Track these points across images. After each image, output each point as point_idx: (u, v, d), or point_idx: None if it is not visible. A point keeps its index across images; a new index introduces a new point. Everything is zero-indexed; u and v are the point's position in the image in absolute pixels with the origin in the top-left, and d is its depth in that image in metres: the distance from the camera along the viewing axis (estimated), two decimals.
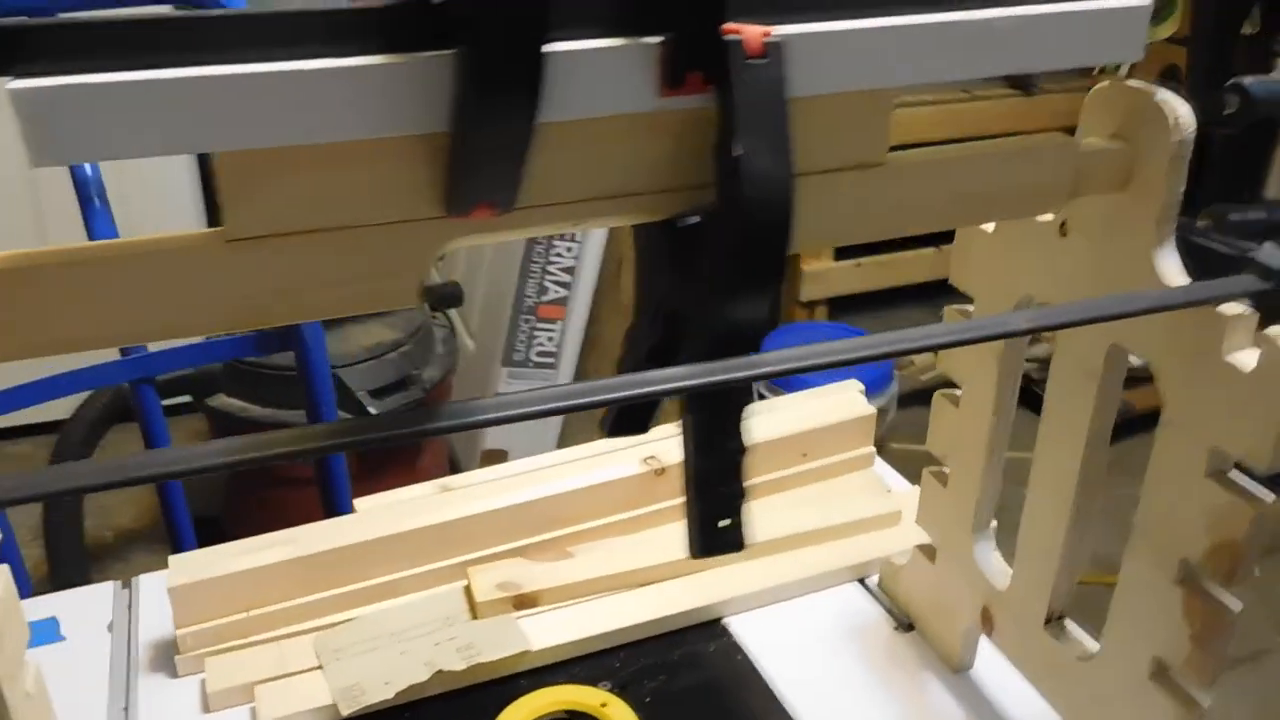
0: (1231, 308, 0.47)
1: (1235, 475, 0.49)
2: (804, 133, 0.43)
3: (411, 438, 0.37)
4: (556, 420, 2.00)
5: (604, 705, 0.70)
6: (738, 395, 0.44)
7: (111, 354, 1.02)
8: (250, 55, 0.33)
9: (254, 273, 0.38)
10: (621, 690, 0.71)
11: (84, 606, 0.79)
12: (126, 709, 0.70)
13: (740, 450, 0.45)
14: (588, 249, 1.90)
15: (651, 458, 0.83)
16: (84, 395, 1.67)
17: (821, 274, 2.41)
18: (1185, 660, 0.52)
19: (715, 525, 0.46)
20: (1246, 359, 0.47)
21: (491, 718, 0.69)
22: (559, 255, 1.90)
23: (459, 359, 1.99)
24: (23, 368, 0.95)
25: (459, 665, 0.70)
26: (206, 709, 0.70)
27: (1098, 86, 0.52)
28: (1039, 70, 0.46)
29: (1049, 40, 0.45)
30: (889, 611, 0.78)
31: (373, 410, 1.72)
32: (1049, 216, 0.56)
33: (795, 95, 0.41)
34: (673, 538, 0.81)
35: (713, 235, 0.41)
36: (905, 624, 0.77)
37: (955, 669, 0.72)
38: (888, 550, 0.80)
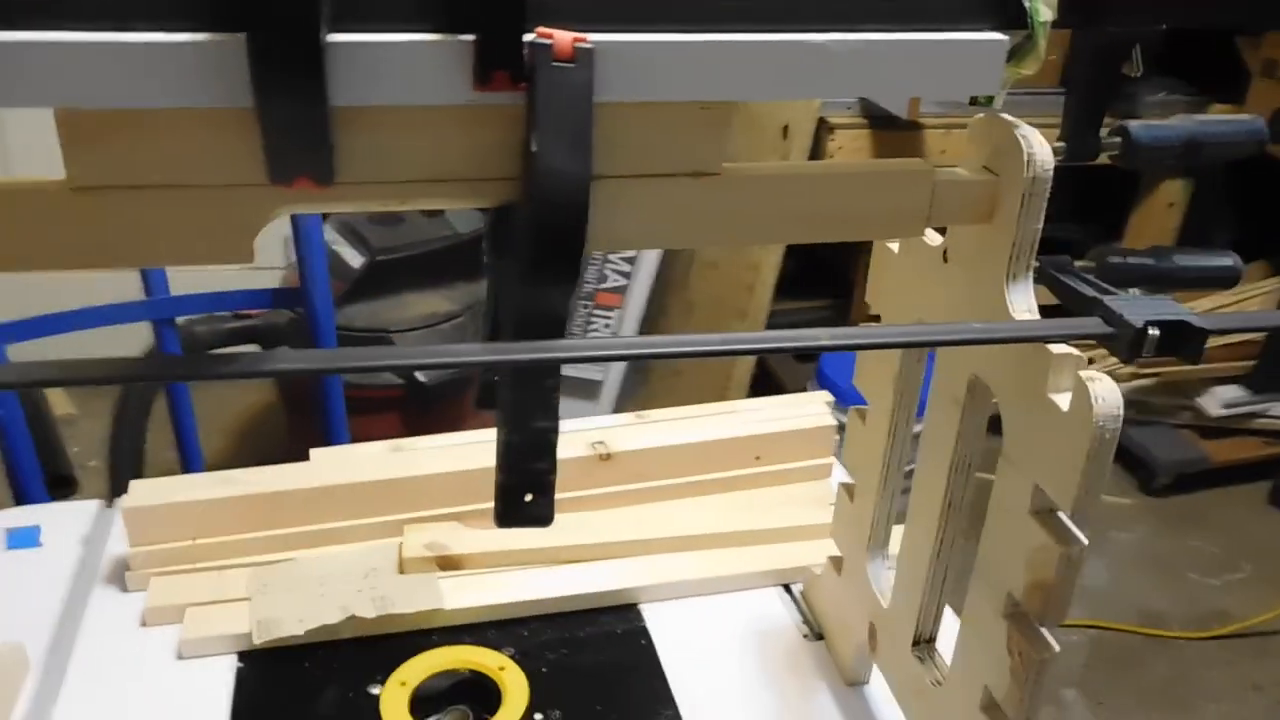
0: (1059, 347, 0.47)
1: (1060, 515, 0.49)
2: (624, 136, 0.45)
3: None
4: (610, 389, 2.04)
5: (501, 669, 0.73)
6: (547, 376, 0.46)
7: (138, 295, 1.10)
8: (69, 23, 0.37)
9: (96, 220, 0.43)
10: (522, 658, 0.74)
11: (68, 520, 0.86)
12: (71, 617, 0.76)
13: (550, 430, 0.47)
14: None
15: (600, 443, 0.86)
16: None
17: None
18: (1005, 694, 0.52)
19: (520, 498, 0.48)
20: (1065, 400, 0.47)
21: (394, 667, 0.73)
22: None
23: None
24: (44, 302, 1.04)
25: (370, 613, 0.74)
26: (143, 623, 0.76)
27: (977, 116, 0.52)
28: (885, 97, 0.47)
29: (894, 68, 0.46)
30: (804, 620, 0.79)
31: (421, 378, 1.79)
32: (936, 241, 0.57)
33: (606, 100, 0.43)
34: (609, 522, 0.84)
35: (516, 225, 0.43)
36: (816, 633, 0.77)
37: (849, 682, 0.73)
38: (811, 560, 0.80)
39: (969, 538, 0.57)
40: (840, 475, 0.94)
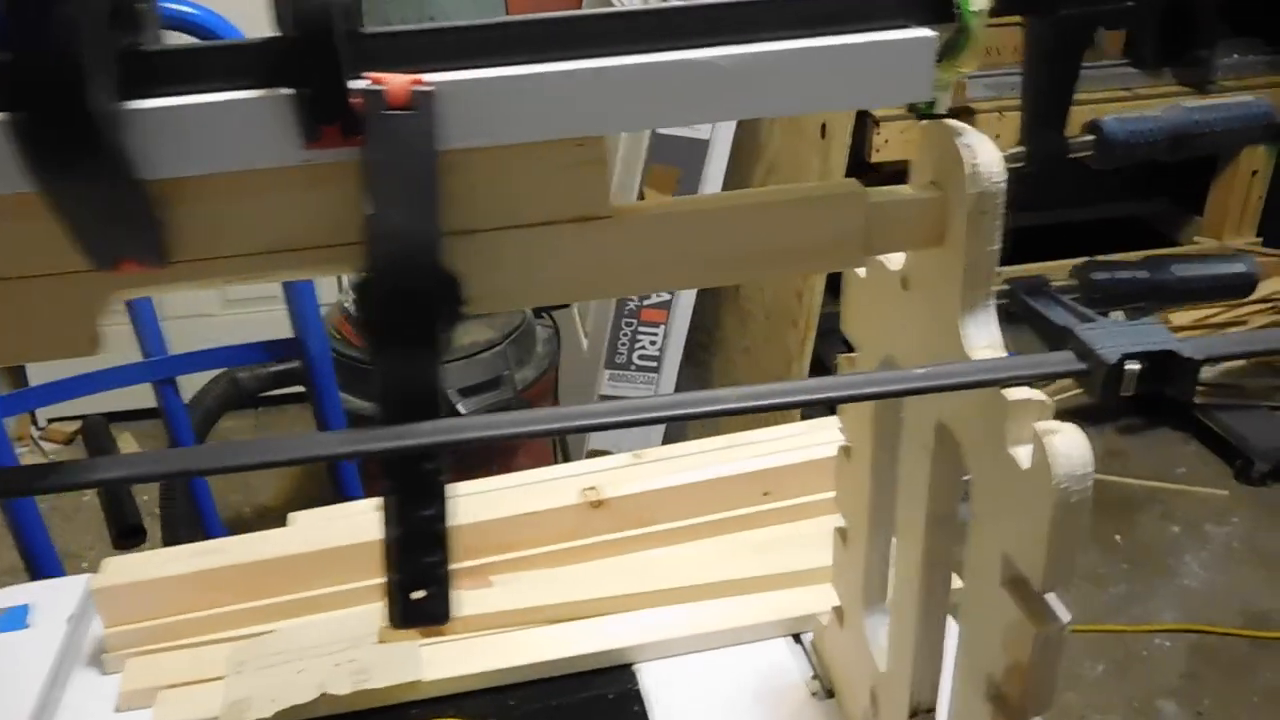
0: (1017, 392, 0.40)
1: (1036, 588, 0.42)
2: (489, 185, 0.40)
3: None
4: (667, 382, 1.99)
5: None
6: (424, 461, 0.41)
7: (137, 356, 1.08)
8: None
9: None
10: None
11: (58, 597, 0.84)
12: (50, 702, 0.74)
13: (436, 520, 0.42)
14: None
15: (591, 489, 0.80)
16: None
17: None
18: None
19: (409, 596, 0.43)
20: (1025, 454, 0.40)
21: None
22: None
23: (565, 358, 2.01)
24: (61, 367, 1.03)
25: (346, 689, 0.70)
26: (117, 709, 0.73)
27: (924, 123, 0.46)
28: (798, 114, 0.41)
29: (802, 80, 0.39)
30: (815, 675, 0.72)
31: (461, 409, 1.76)
32: (896, 266, 0.50)
33: (457, 146, 0.38)
34: (603, 575, 0.79)
35: (367, 296, 0.38)
36: (827, 690, 0.71)
37: None
38: (821, 607, 0.74)
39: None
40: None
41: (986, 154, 0.41)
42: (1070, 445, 0.37)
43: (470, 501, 0.80)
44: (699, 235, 0.43)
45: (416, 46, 0.37)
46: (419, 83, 0.37)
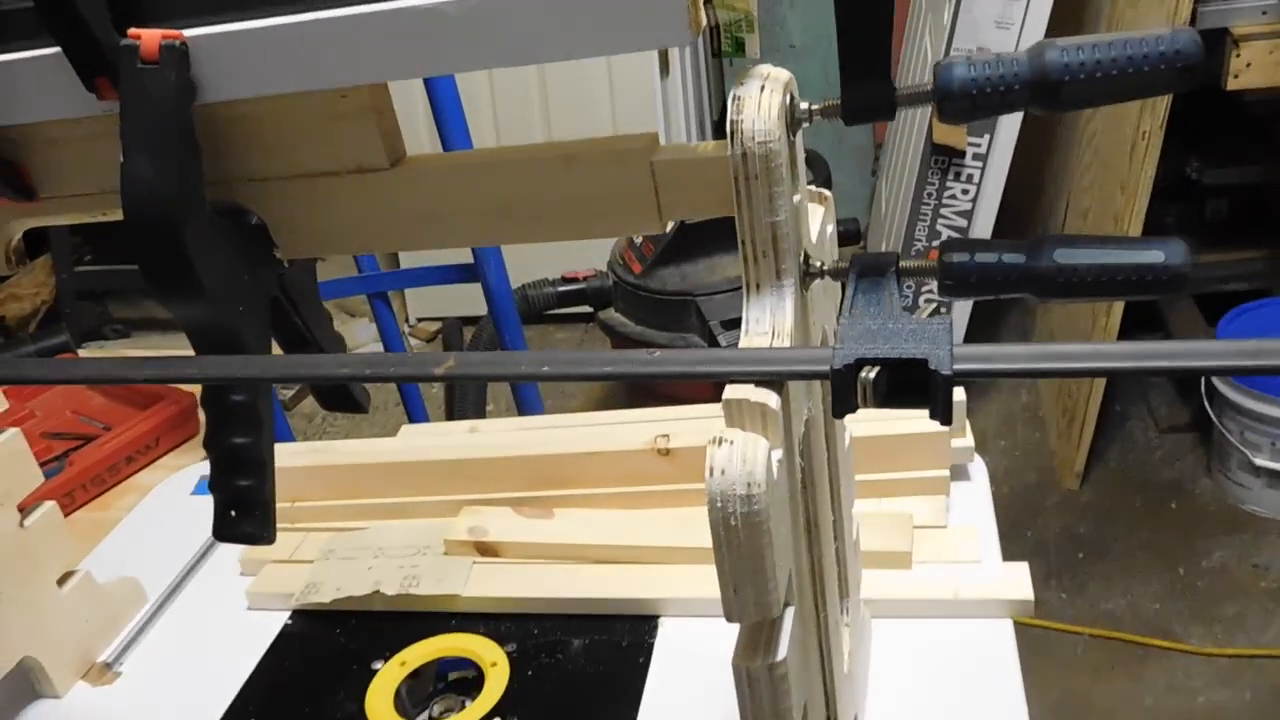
0: (730, 390, 0.35)
1: None
2: (264, 136, 0.41)
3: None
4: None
5: (494, 665, 0.72)
6: (235, 394, 0.44)
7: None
8: None
9: None
10: (519, 656, 0.72)
11: None
12: (205, 558, 0.88)
13: (248, 446, 0.45)
14: (985, 189, 1.73)
15: (663, 436, 0.79)
16: None
17: None
18: None
19: (227, 513, 0.47)
20: (710, 459, 0.35)
21: (403, 644, 0.74)
22: (952, 198, 1.75)
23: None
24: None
25: (391, 590, 0.77)
26: (242, 573, 0.85)
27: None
28: (547, 62, 0.38)
29: (538, 27, 0.37)
30: None
31: (722, 340, 1.77)
32: None
33: (216, 100, 0.40)
34: (655, 522, 0.78)
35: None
36: None
37: None
38: (879, 593, 0.68)
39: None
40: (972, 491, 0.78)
41: (755, 108, 0.36)
42: (735, 458, 0.32)
43: (552, 434, 0.83)
44: (486, 187, 0.41)
45: (180, 2, 0.39)
46: (170, 36, 0.39)
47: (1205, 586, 1.73)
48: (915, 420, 0.77)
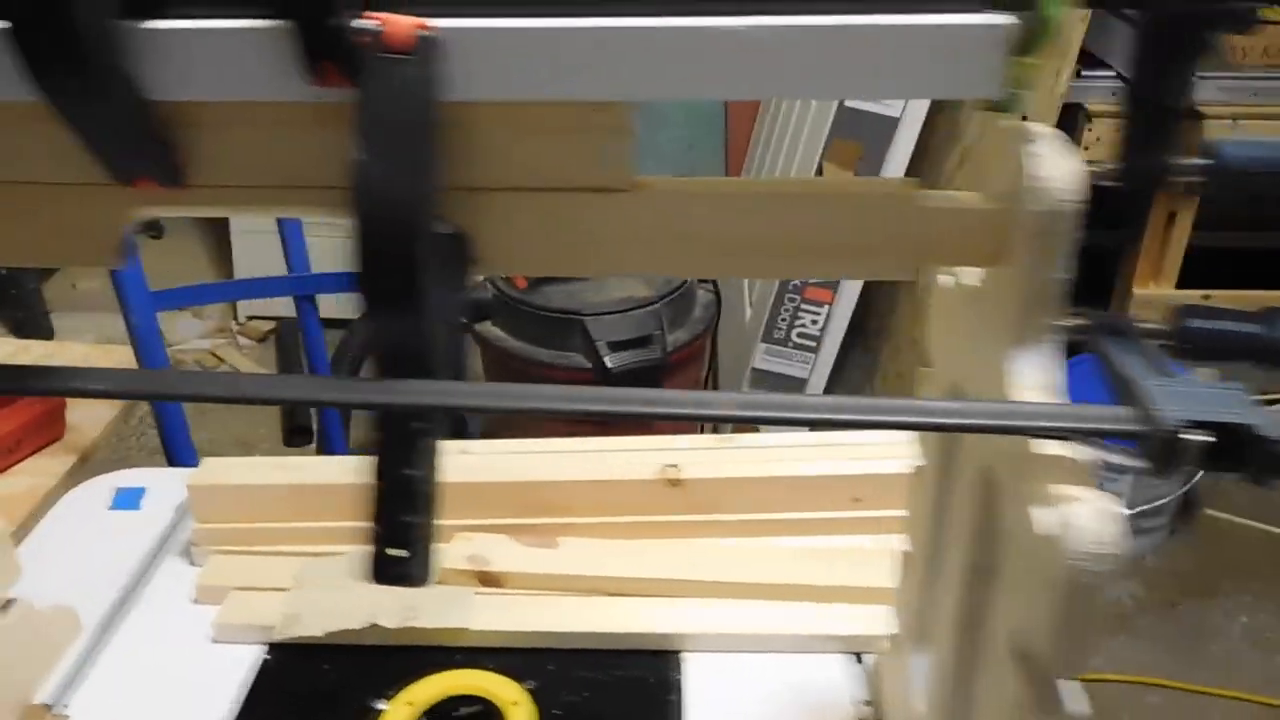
0: (1048, 445, 0.35)
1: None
2: (503, 143, 0.38)
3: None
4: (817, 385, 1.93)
5: (515, 704, 0.68)
6: (412, 420, 0.40)
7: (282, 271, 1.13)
8: None
9: None
10: (540, 694, 0.69)
11: (174, 485, 0.89)
12: (142, 581, 0.79)
13: (421, 481, 0.41)
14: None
15: (672, 466, 0.78)
16: None
17: (1155, 300, 2.08)
18: None
19: (386, 552, 0.42)
20: (1046, 518, 0.34)
21: (408, 682, 0.69)
22: None
23: (726, 326, 1.97)
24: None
25: (392, 623, 0.71)
26: (195, 600, 0.77)
27: (994, 124, 0.40)
28: (840, 99, 0.36)
29: (850, 61, 0.35)
30: (869, 701, 0.68)
31: (608, 363, 1.76)
32: (970, 280, 0.45)
33: (463, 99, 0.36)
34: (664, 554, 0.76)
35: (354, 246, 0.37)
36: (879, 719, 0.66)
37: None
38: (881, 629, 0.69)
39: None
40: None
41: (1058, 167, 0.36)
42: (1093, 518, 0.32)
43: (552, 459, 0.79)
44: (728, 219, 0.39)
45: None
46: (423, 26, 0.35)
47: None
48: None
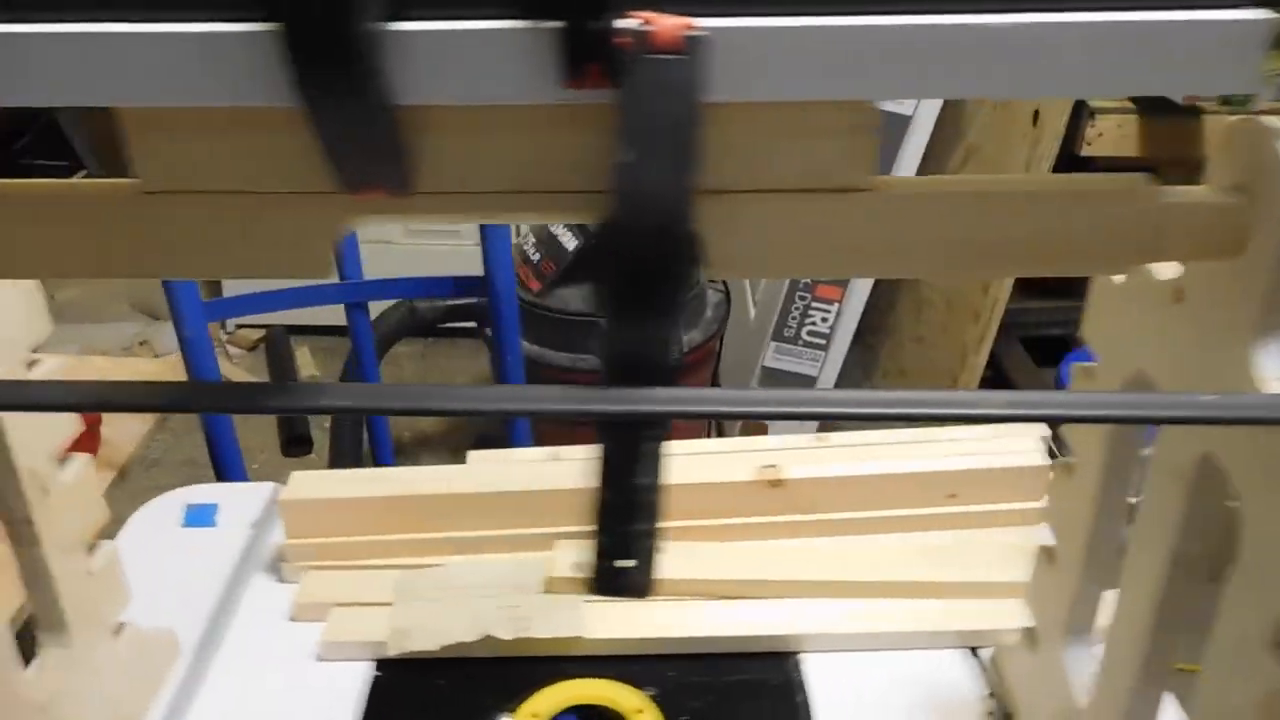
0: None
1: None
2: (747, 144, 0.37)
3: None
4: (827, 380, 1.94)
5: (640, 712, 0.67)
6: (646, 429, 0.39)
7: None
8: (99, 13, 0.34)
9: (166, 225, 0.39)
10: (664, 700, 0.68)
11: (245, 500, 0.88)
12: (231, 600, 0.77)
13: (650, 490, 0.40)
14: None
15: (771, 467, 0.78)
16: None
17: None
18: None
19: (613, 564, 0.41)
20: None
21: (528, 693, 0.68)
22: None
23: (731, 326, 1.98)
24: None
25: (508, 635, 0.70)
26: (292, 618, 0.75)
27: (1229, 120, 0.40)
28: (1093, 97, 0.36)
29: (1093, 60, 0.35)
30: (992, 693, 0.68)
31: None
32: (1168, 275, 0.45)
33: (722, 99, 0.35)
34: (774, 556, 0.76)
35: (607, 249, 0.36)
36: (1004, 713, 0.67)
37: None
38: (1004, 624, 0.69)
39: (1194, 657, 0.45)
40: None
41: None
42: None
43: None
44: (962, 219, 0.39)
45: None
46: (691, 26, 0.34)
47: None
48: (1015, 454, 0.79)
